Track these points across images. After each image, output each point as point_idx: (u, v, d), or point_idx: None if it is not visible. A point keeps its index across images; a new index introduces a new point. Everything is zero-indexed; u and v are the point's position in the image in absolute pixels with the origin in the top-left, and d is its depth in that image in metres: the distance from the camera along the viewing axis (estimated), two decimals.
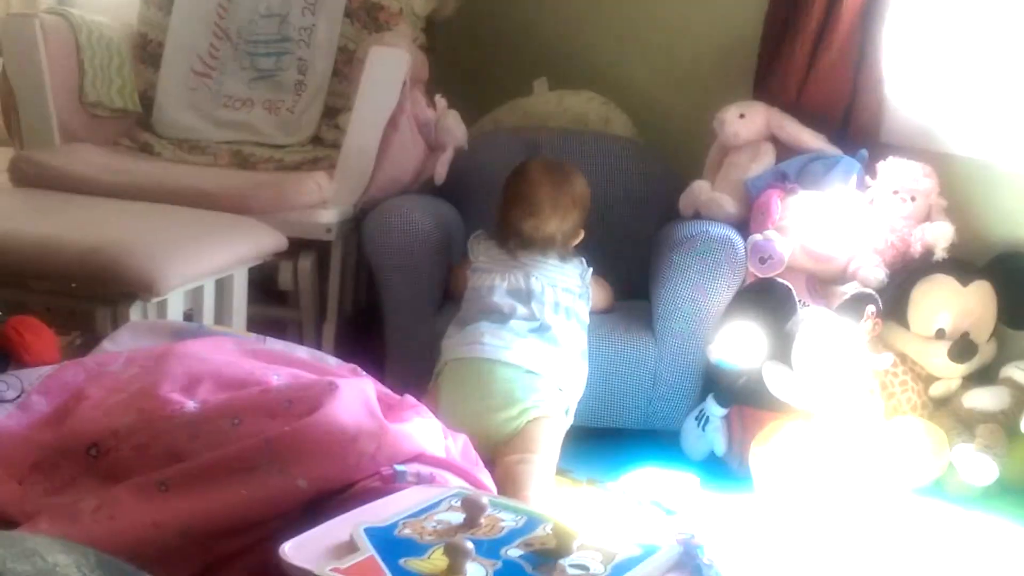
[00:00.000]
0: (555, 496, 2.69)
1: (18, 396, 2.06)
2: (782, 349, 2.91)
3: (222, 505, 1.71)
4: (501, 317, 2.89)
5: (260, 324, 3.07)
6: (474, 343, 2.84)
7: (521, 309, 2.90)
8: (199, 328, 2.49)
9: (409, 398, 2.08)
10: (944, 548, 2.72)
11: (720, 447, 3.00)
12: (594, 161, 3.43)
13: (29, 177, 3.30)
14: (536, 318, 2.89)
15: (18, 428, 1.97)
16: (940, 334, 3.11)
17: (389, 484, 1.79)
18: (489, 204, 3.16)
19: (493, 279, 2.97)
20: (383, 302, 3.19)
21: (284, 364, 2.18)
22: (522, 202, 3.02)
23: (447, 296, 3.22)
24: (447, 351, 2.91)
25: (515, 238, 3.00)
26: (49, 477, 1.85)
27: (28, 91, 3.52)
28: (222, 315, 3.02)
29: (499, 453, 2.71)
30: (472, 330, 2.88)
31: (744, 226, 3.22)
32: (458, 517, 1.68)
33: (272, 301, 3.47)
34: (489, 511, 1.70)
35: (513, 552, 1.58)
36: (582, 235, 3.08)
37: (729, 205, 3.27)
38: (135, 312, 2.66)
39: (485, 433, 2.66)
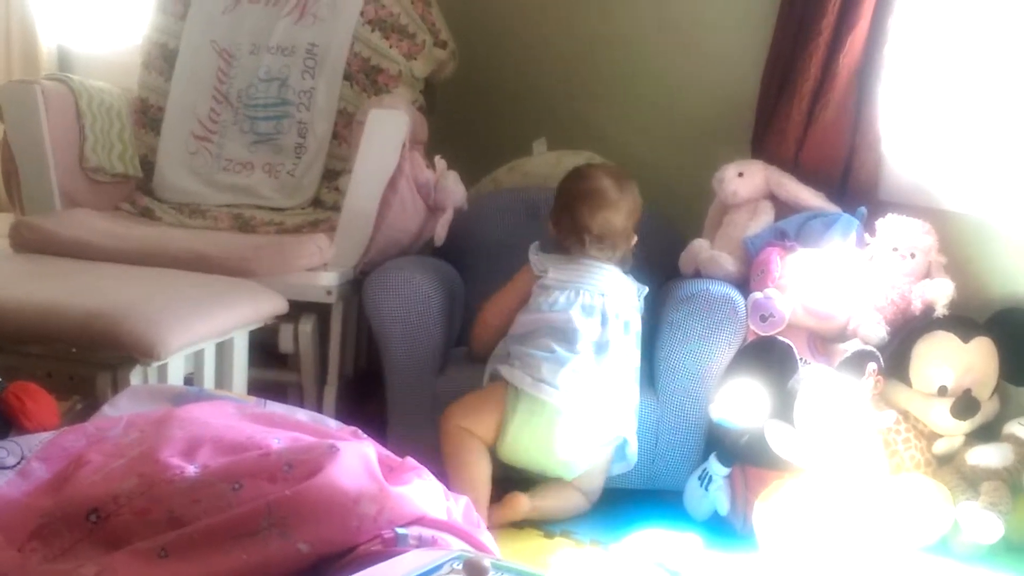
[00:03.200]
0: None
1: (18, 463, 2.05)
2: (784, 407, 2.90)
3: (223, 570, 1.71)
4: (572, 336, 2.95)
5: (261, 387, 3.06)
6: (543, 382, 2.89)
7: (591, 328, 2.98)
8: (199, 392, 2.49)
9: (410, 460, 2.07)
10: None
11: (723, 507, 2.98)
12: None
13: (30, 242, 3.31)
14: (604, 339, 2.98)
15: (18, 495, 1.97)
16: (942, 391, 3.11)
17: (390, 547, 1.78)
18: (489, 264, 3.17)
19: (568, 296, 3.02)
20: (384, 364, 3.18)
21: (285, 427, 2.18)
22: (589, 197, 3.11)
23: (462, 344, 3.23)
24: (517, 374, 2.94)
25: (586, 234, 3.09)
26: (49, 544, 1.84)
27: (29, 157, 3.53)
28: (223, 379, 3.02)
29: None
30: (542, 358, 2.93)
31: (744, 284, 3.22)
32: None
33: (273, 364, 3.46)
34: (491, 574, 1.68)
35: None
36: (635, 239, 3.20)
37: (729, 263, 3.27)
38: (136, 377, 2.66)
39: (539, 467, 2.97)
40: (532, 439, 2.89)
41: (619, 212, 3.12)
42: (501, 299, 3.16)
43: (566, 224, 3.14)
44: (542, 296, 3.05)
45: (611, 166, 3.31)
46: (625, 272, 3.15)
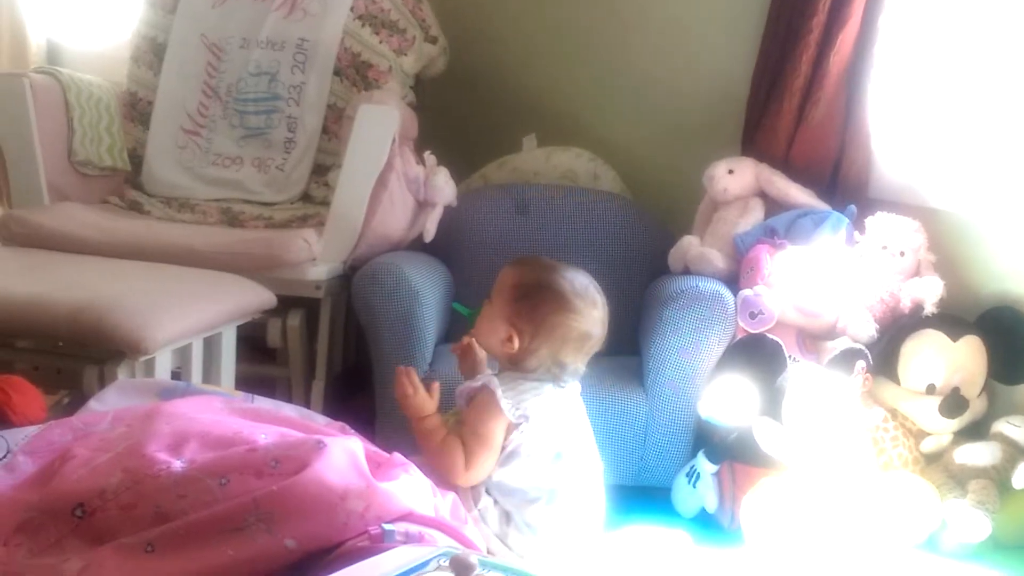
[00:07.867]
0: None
1: (4, 456, 2.05)
2: (772, 405, 2.90)
3: (209, 566, 1.70)
4: None
5: (249, 382, 3.05)
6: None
7: None
8: (187, 387, 2.48)
9: (398, 456, 2.07)
10: None
11: (711, 504, 2.99)
12: (583, 217, 3.44)
13: (17, 236, 3.29)
14: None
15: (3, 489, 1.96)
16: (931, 389, 3.11)
17: (377, 543, 1.78)
18: (478, 260, 3.16)
19: None
20: (373, 359, 3.17)
21: (272, 423, 2.17)
22: None
23: (451, 340, 3.12)
24: None
25: None
26: (34, 538, 1.83)
27: (17, 150, 3.51)
28: (210, 373, 3.01)
29: None
30: None
31: (733, 281, 3.22)
32: None
33: (261, 359, 3.45)
34: (478, 570, 1.68)
35: None
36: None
37: (718, 260, 3.27)
38: (123, 371, 2.65)
39: None
40: None
41: None
42: None
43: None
44: None
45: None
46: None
